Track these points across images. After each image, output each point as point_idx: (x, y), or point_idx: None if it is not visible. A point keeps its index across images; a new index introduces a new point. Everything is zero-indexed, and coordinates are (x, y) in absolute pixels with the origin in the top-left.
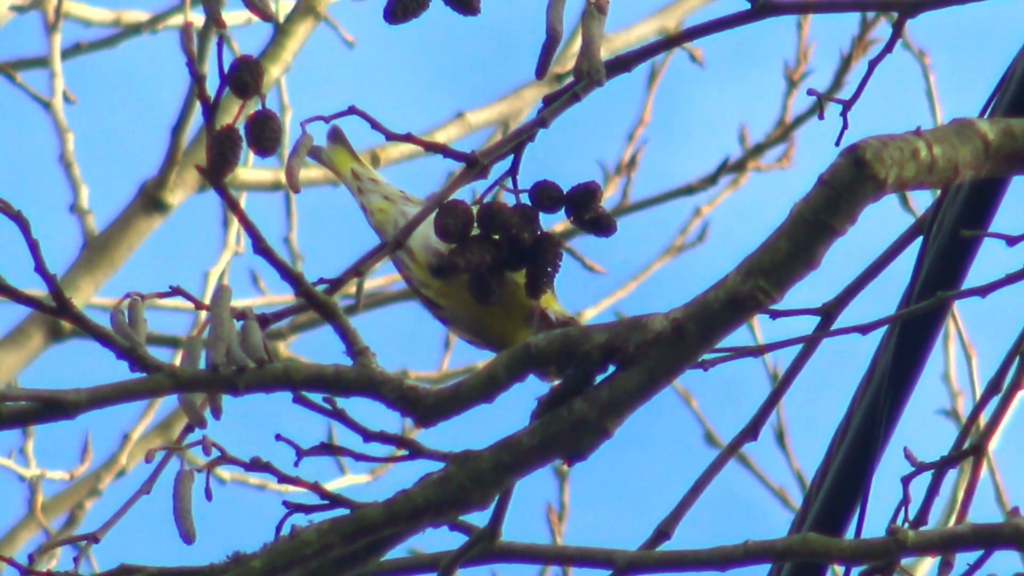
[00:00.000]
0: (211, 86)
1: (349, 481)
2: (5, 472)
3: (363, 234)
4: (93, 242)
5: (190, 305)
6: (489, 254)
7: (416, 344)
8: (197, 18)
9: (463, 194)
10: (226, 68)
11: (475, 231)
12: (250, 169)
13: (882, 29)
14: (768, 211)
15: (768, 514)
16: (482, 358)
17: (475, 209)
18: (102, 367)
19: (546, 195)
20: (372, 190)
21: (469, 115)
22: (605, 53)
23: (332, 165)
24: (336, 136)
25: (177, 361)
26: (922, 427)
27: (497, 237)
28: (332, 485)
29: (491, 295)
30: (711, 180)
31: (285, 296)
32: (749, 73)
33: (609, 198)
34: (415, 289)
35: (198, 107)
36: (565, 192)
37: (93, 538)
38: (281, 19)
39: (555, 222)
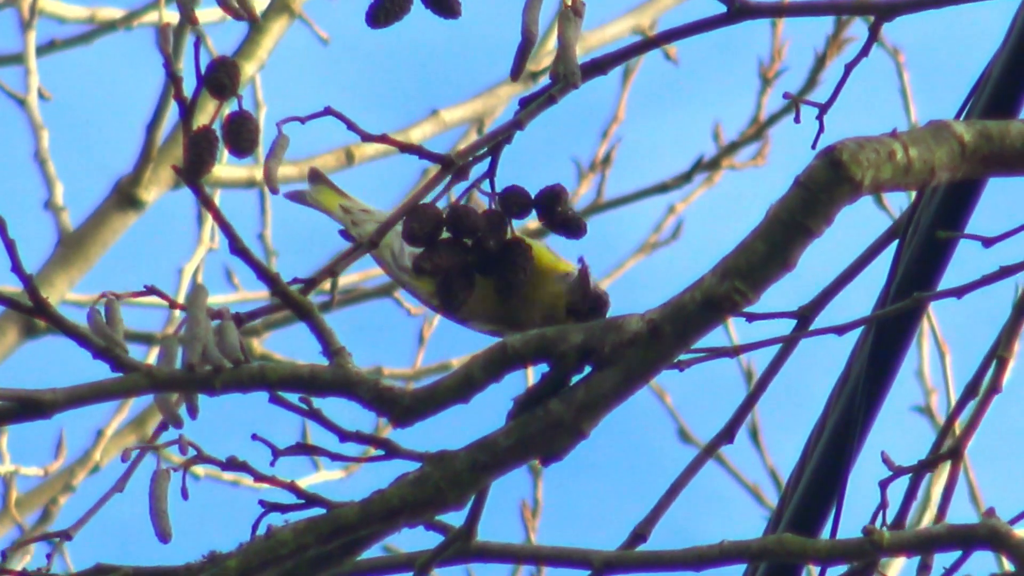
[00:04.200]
0: (187, 86)
1: (323, 477)
2: None
3: (337, 229)
4: (68, 239)
5: (164, 302)
6: (458, 257)
7: (390, 341)
8: (172, 15)
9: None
10: (202, 67)
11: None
12: (224, 166)
13: (857, 27)
14: (742, 209)
15: (742, 511)
16: (455, 355)
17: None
18: (77, 364)
19: (514, 201)
20: (366, 220)
21: (443, 112)
22: (579, 51)
23: (320, 205)
24: (317, 177)
25: (153, 359)
26: (896, 424)
27: (468, 241)
28: (306, 481)
29: (457, 299)
30: (685, 178)
31: (260, 293)
32: (723, 71)
33: (583, 195)
34: (427, 303)
35: (173, 104)
36: (533, 196)
37: (65, 535)
38: (256, 15)
39: (531, 219)
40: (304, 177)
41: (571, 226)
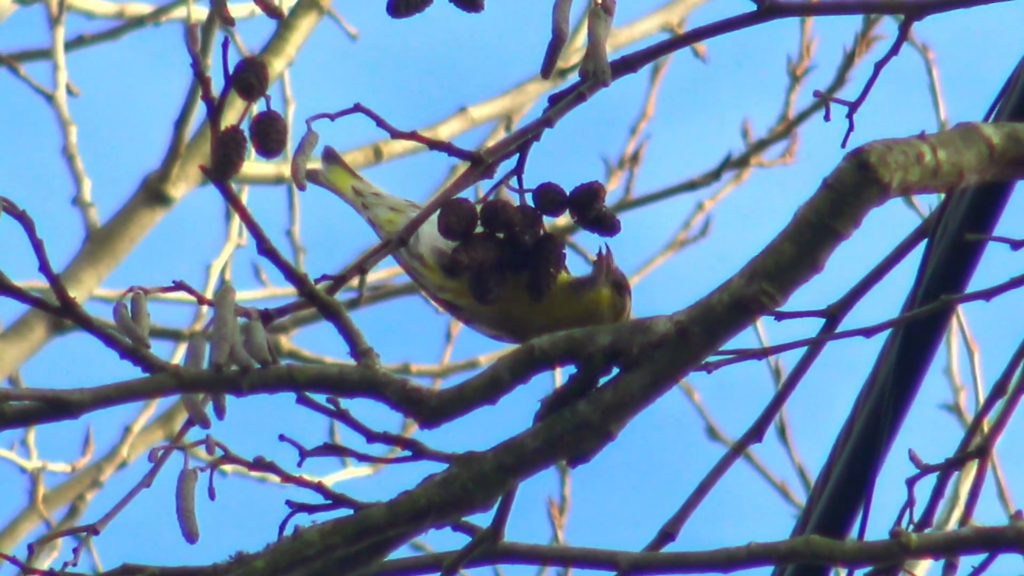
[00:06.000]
0: (215, 83)
1: (351, 474)
2: (7, 464)
3: (366, 226)
4: (96, 235)
5: (192, 298)
6: (493, 252)
7: (418, 337)
8: (200, 11)
9: (467, 193)
10: (230, 65)
11: (479, 230)
12: (252, 162)
13: (886, 25)
14: (771, 207)
15: (770, 509)
16: (482, 352)
17: (479, 208)
18: (104, 360)
19: (549, 198)
20: (376, 204)
21: (472, 109)
22: (609, 49)
23: (331, 185)
24: (330, 156)
25: (180, 357)
26: (924, 422)
27: (501, 236)
28: (334, 478)
29: (490, 294)
30: (714, 175)
31: (287, 289)
32: (752, 68)
33: (612, 192)
34: (432, 295)
35: (201, 101)
36: (568, 194)
37: (93, 530)
38: (285, 12)
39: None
40: None
41: (605, 223)
